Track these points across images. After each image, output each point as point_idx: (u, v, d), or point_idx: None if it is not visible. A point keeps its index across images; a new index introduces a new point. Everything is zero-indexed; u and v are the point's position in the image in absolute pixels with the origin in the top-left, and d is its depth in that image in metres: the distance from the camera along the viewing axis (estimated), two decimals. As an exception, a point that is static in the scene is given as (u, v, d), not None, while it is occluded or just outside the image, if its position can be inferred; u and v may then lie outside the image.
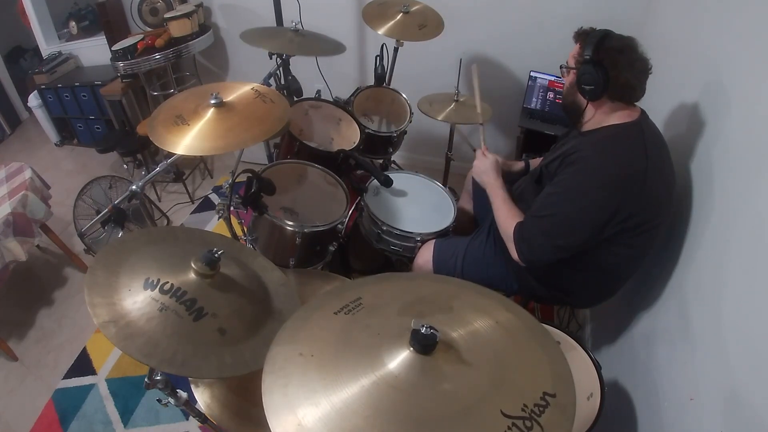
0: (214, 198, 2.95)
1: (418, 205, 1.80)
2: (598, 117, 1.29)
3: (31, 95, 3.30)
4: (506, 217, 1.38)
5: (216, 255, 0.98)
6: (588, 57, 1.21)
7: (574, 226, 1.23)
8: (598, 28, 1.26)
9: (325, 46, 2.08)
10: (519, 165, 1.74)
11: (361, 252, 2.00)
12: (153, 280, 0.95)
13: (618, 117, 1.26)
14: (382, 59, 2.21)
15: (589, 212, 1.21)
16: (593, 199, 1.20)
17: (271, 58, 2.16)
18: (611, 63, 1.20)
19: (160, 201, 2.94)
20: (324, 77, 2.47)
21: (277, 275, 1.18)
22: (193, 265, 0.98)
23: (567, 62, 1.32)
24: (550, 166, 1.36)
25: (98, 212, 2.07)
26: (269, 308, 1.07)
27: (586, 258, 1.30)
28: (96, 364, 2.03)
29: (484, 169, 1.54)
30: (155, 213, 2.69)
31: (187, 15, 2.62)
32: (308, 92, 2.14)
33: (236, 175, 1.58)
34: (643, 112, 1.28)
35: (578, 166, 1.24)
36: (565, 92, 1.36)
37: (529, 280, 1.45)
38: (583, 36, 1.27)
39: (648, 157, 1.18)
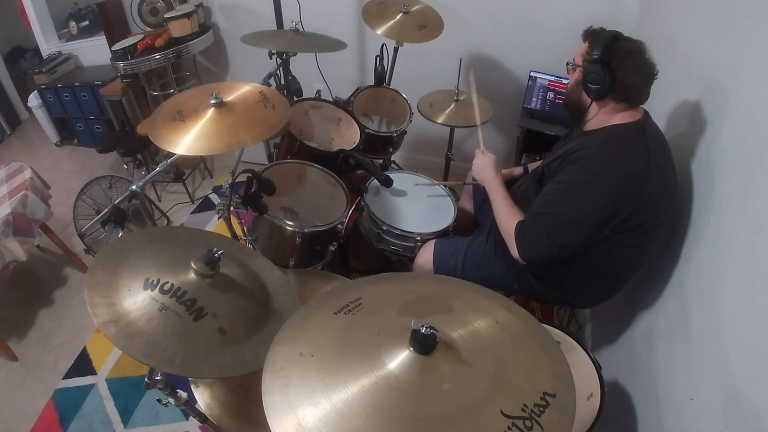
0: (214, 198, 2.95)
1: (418, 205, 1.80)
2: (601, 116, 1.29)
3: (31, 95, 3.30)
4: (506, 215, 1.38)
5: (216, 255, 0.98)
6: (596, 56, 1.21)
7: (574, 224, 1.24)
8: (608, 29, 1.26)
9: (325, 43, 2.09)
10: (518, 170, 1.75)
11: (361, 252, 1.99)
12: (153, 280, 0.95)
13: (620, 117, 1.26)
14: (382, 59, 2.21)
15: (590, 211, 1.21)
16: (594, 198, 1.20)
17: (271, 58, 2.15)
18: (618, 64, 1.20)
19: (160, 201, 2.94)
20: (324, 77, 2.46)
21: (277, 275, 1.18)
22: (193, 265, 0.98)
23: (574, 59, 1.32)
24: (552, 165, 1.36)
25: (98, 212, 2.07)
26: (269, 308, 1.07)
27: (587, 258, 1.30)
28: (96, 364, 2.03)
29: (483, 166, 1.53)
30: (155, 213, 2.69)
31: (187, 15, 2.62)
32: (308, 92, 2.14)
33: (236, 175, 1.58)
34: (646, 113, 1.28)
35: (579, 165, 1.24)
36: (570, 89, 1.36)
37: (529, 279, 1.45)
38: (592, 35, 1.27)
39: (649, 158, 1.18)
